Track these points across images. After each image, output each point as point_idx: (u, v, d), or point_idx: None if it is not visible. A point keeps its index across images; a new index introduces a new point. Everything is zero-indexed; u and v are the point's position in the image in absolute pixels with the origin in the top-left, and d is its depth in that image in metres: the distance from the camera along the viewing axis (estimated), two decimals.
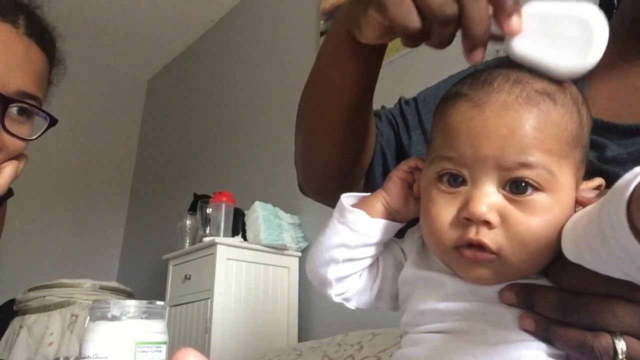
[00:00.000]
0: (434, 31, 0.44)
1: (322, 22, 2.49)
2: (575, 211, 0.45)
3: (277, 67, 2.76)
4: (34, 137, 0.76)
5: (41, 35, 0.76)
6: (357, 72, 0.57)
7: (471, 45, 0.43)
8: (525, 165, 0.42)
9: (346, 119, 0.61)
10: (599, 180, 0.47)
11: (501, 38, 0.43)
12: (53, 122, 0.77)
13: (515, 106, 0.43)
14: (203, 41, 3.51)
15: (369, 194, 0.54)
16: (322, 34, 2.46)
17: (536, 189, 0.42)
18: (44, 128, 0.77)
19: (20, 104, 0.72)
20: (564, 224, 0.43)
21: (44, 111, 0.76)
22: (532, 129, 0.42)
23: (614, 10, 0.70)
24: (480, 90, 0.44)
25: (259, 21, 3.02)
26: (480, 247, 0.42)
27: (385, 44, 0.53)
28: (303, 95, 0.65)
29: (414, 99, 0.75)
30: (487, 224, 0.42)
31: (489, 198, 0.42)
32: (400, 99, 0.75)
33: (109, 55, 3.76)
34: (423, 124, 0.71)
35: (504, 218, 0.42)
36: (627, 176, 0.32)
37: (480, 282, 0.45)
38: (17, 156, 0.75)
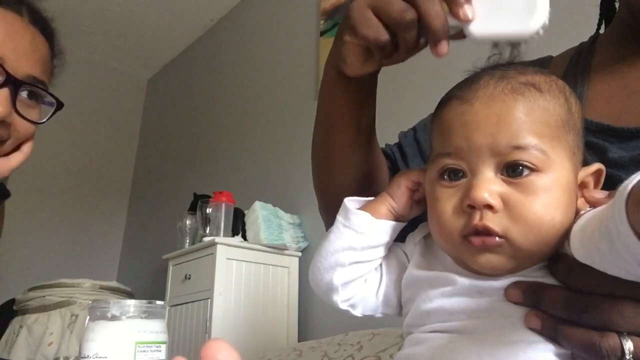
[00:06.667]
0: (400, 38, 0.48)
1: (322, 22, 2.49)
2: (580, 208, 0.46)
3: (277, 66, 2.76)
4: (43, 121, 0.78)
5: (44, 24, 0.79)
6: (352, 107, 0.59)
7: (434, 39, 0.47)
8: (518, 147, 0.44)
9: (352, 154, 0.62)
10: (597, 165, 0.48)
11: (462, 35, 0.48)
12: (60, 106, 0.80)
13: (501, 96, 0.46)
14: (203, 41, 3.51)
15: (372, 198, 0.54)
16: (322, 33, 2.45)
17: (532, 170, 0.44)
18: (51, 112, 0.80)
19: (30, 87, 0.74)
20: (567, 205, 0.44)
21: (52, 95, 0.79)
22: (520, 114, 0.45)
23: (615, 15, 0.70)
24: (468, 89, 0.48)
25: (259, 21, 3.02)
26: (488, 233, 0.43)
27: (375, 78, 0.58)
28: (313, 136, 0.68)
29: (413, 127, 0.76)
30: (490, 208, 0.43)
31: (488, 183, 0.44)
32: (399, 134, 0.78)
33: (109, 55, 3.75)
34: (423, 150, 0.72)
35: (505, 201, 0.44)
36: (632, 177, 0.32)
37: (492, 271, 0.45)
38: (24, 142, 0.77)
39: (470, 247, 0.45)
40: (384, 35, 0.48)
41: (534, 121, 0.45)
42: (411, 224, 0.56)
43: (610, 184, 0.48)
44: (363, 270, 0.53)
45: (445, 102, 0.50)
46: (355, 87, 0.57)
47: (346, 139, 0.61)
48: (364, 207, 0.53)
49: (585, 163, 0.50)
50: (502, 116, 0.45)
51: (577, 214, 0.45)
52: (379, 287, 0.54)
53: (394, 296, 0.54)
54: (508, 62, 0.51)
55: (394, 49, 0.50)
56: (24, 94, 0.74)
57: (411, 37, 0.48)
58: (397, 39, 0.49)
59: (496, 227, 0.43)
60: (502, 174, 0.44)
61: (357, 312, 0.54)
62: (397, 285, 0.54)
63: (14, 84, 0.71)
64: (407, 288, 0.52)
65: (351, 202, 0.53)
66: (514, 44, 0.49)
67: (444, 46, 0.47)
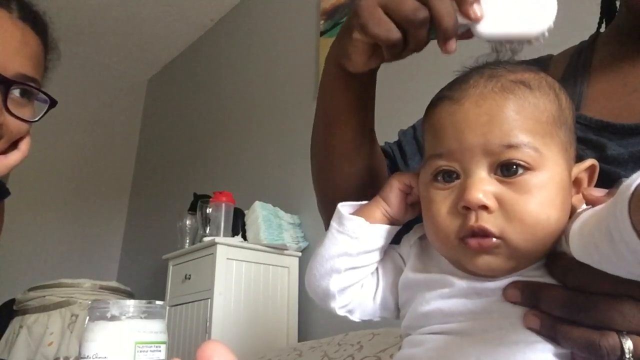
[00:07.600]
0: (410, 36, 0.49)
1: (322, 22, 2.49)
2: (575, 206, 0.46)
3: (277, 66, 2.76)
4: (36, 119, 0.77)
5: (34, 19, 0.77)
6: (352, 104, 0.60)
7: (443, 37, 0.48)
8: (510, 146, 0.44)
9: (351, 151, 0.62)
10: (590, 161, 0.48)
11: (470, 34, 0.49)
12: (53, 103, 0.78)
13: (491, 95, 0.45)
14: (203, 41, 3.51)
15: (365, 202, 0.54)
16: (322, 33, 2.45)
17: (526, 168, 0.44)
18: (45, 110, 0.78)
19: (21, 86, 0.73)
20: (562, 202, 0.44)
21: (44, 92, 0.77)
22: (511, 112, 0.44)
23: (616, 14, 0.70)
24: (458, 88, 0.48)
25: (259, 21, 3.02)
26: (484, 234, 0.43)
27: (374, 75, 0.59)
28: (312, 134, 0.68)
29: (413, 126, 0.76)
30: (486, 209, 0.43)
31: (482, 184, 0.44)
32: (399, 132, 0.77)
33: (109, 55, 3.75)
34: (422, 149, 0.72)
35: (500, 201, 0.43)
36: (634, 176, 0.32)
37: (489, 272, 0.45)
38: (21, 139, 0.76)
39: (467, 249, 0.44)
40: (395, 34, 0.48)
41: (525, 119, 0.44)
42: (405, 225, 0.55)
43: (609, 181, 0.47)
44: (359, 276, 0.52)
45: (435, 102, 0.50)
46: (356, 83, 0.57)
47: (345, 136, 0.61)
48: (357, 212, 0.52)
49: (582, 160, 0.50)
50: (493, 115, 0.44)
51: (572, 211, 0.45)
52: (375, 291, 0.54)
53: (391, 299, 0.53)
54: (497, 60, 0.51)
55: (403, 46, 0.50)
56: (16, 92, 0.72)
57: (422, 35, 0.48)
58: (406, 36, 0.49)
59: (492, 227, 0.43)
60: (495, 174, 0.44)
61: (355, 318, 0.54)
62: (394, 289, 0.53)
63: (4, 83, 0.70)
64: (404, 291, 0.52)
65: (345, 207, 0.53)
66: (520, 44, 0.50)
67: (452, 44, 0.48)
